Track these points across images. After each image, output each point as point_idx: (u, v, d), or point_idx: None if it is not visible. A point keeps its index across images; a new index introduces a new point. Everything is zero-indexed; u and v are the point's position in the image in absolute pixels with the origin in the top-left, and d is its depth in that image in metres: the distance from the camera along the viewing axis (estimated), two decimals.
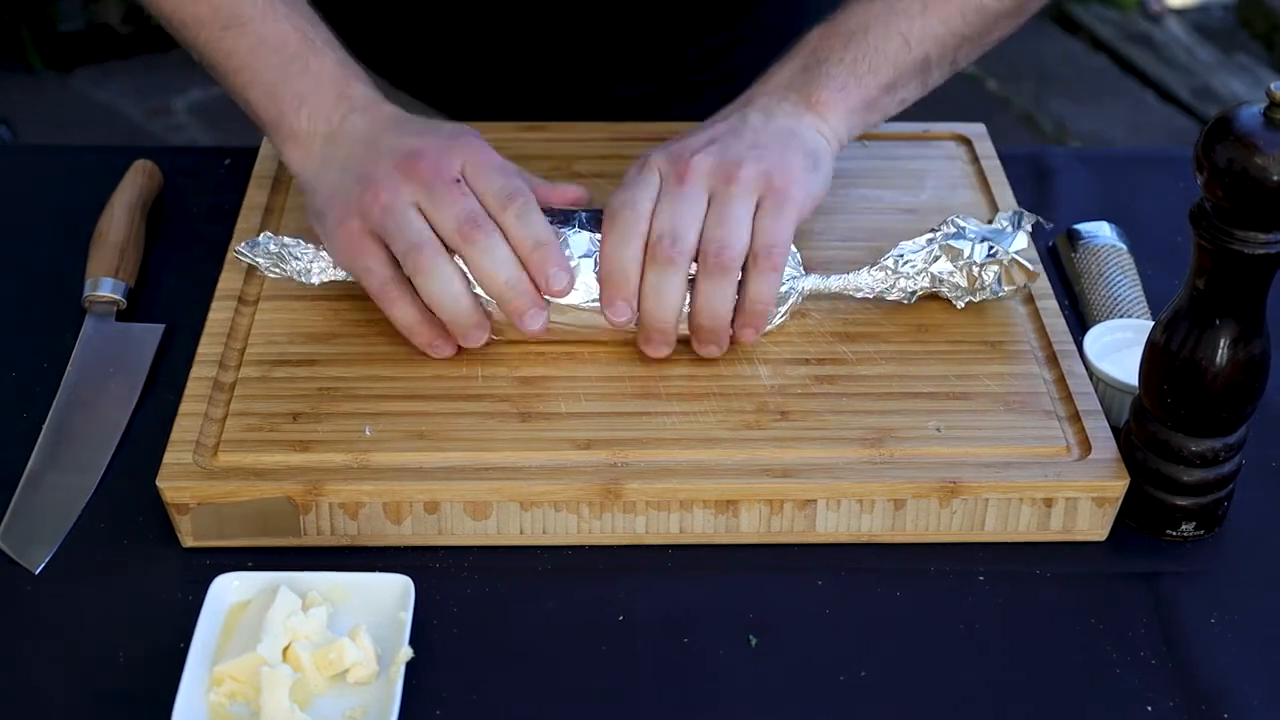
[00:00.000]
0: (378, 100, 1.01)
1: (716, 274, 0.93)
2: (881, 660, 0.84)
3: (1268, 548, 0.92)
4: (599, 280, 0.95)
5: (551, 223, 0.96)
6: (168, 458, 0.89)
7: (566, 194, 1.01)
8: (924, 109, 1.12)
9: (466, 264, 0.93)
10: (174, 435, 0.91)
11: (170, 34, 1.05)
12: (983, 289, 1.00)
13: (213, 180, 1.20)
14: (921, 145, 1.18)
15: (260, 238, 0.99)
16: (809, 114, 1.01)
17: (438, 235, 0.93)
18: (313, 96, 0.99)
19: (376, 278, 0.95)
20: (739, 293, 0.94)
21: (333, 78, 1.00)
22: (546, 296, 0.94)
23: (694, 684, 0.83)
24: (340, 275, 0.98)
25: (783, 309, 0.98)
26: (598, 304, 0.95)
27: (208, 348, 0.97)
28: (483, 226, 0.93)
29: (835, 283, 0.99)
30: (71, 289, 1.07)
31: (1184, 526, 0.92)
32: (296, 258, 0.98)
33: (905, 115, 1.11)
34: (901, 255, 1.00)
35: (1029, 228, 1.01)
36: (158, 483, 0.88)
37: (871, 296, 1.00)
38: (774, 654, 0.85)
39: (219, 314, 1.00)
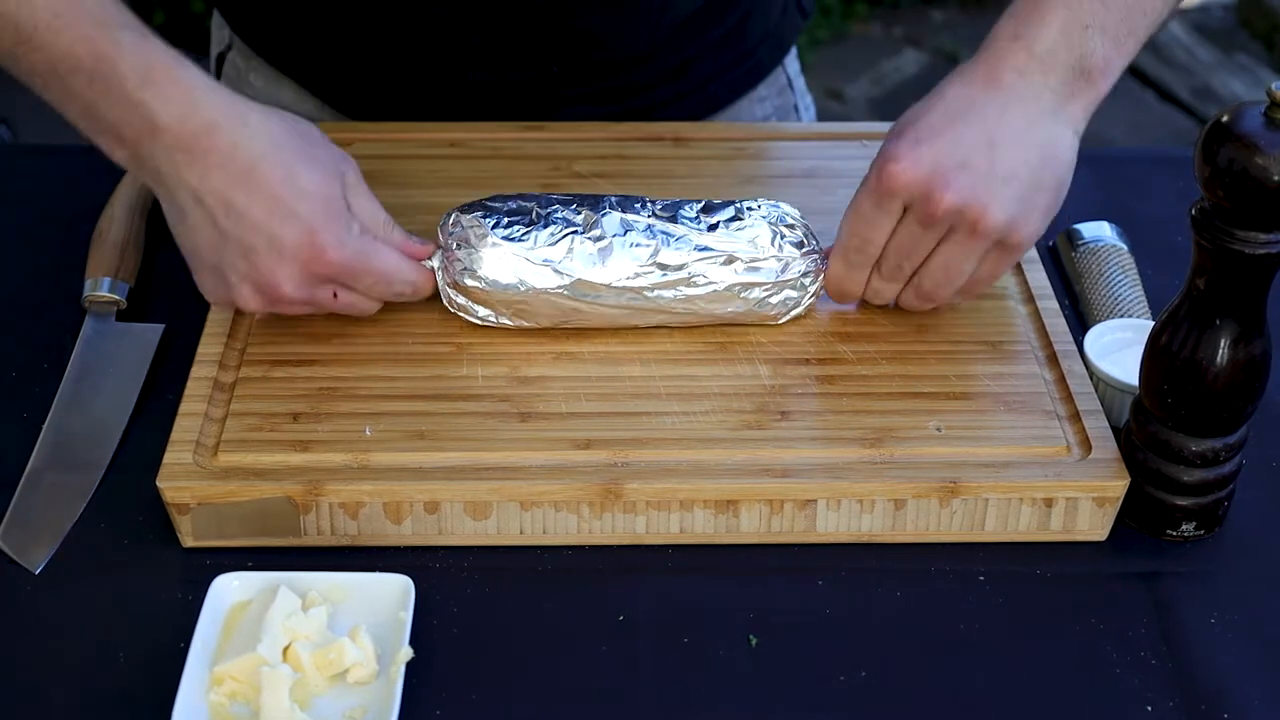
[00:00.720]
0: (194, 126, 0.89)
1: (919, 300, 0.99)
2: (881, 660, 0.84)
3: (1268, 548, 0.92)
4: (826, 282, 0.99)
5: (580, 206, 0.98)
6: (168, 458, 0.89)
7: (415, 251, 0.98)
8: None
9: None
10: (174, 435, 0.91)
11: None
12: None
13: None
14: None
15: None
16: (1070, 105, 0.93)
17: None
18: (123, 128, 0.90)
19: (323, 308, 0.96)
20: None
21: (135, 99, 0.89)
22: (569, 268, 0.95)
23: (694, 684, 0.83)
24: None
25: (809, 293, 0.99)
26: (625, 283, 0.96)
27: (208, 348, 0.97)
28: (369, 311, 0.97)
29: None
30: (71, 289, 1.07)
31: (1184, 526, 0.92)
32: None
33: None
34: None
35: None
36: (158, 483, 0.88)
37: None
38: (774, 654, 0.85)
39: (219, 314, 1.00)
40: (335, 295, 0.95)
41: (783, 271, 0.97)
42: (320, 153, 0.93)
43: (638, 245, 0.96)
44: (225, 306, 0.97)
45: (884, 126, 1.14)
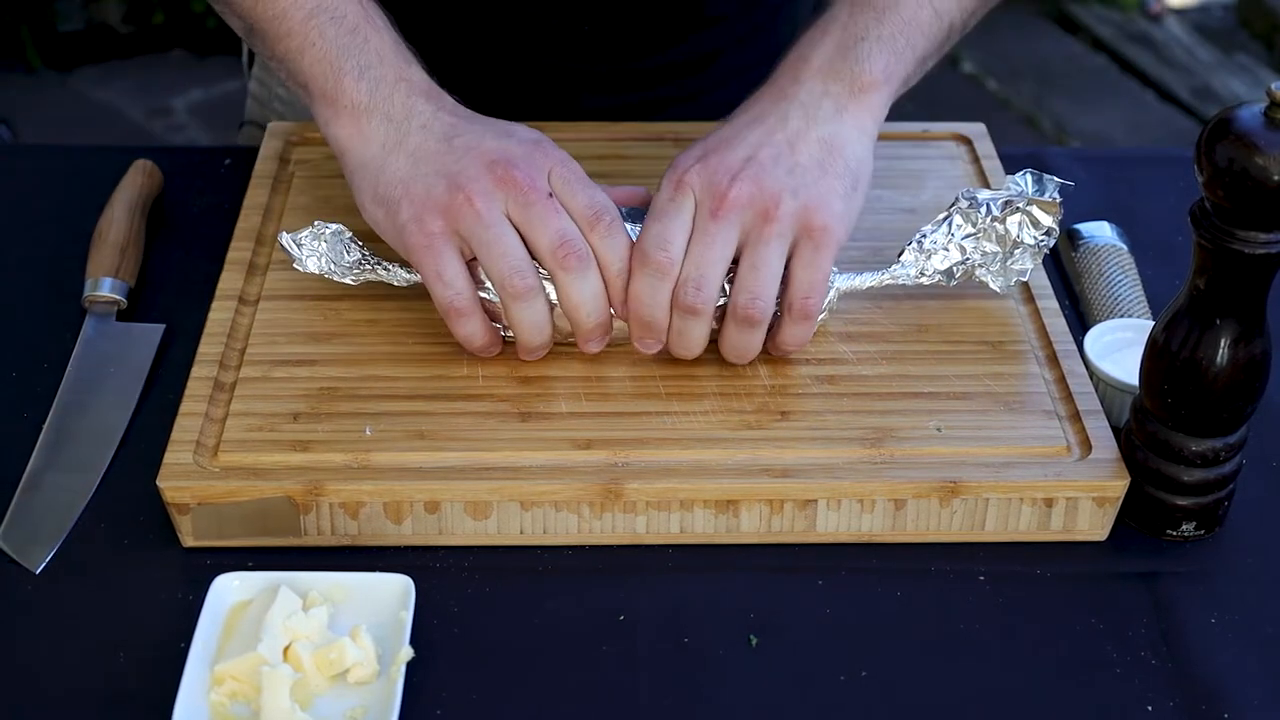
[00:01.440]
0: (437, 88, 0.98)
1: (745, 325, 0.93)
2: (881, 660, 0.84)
3: (1268, 548, 0.92)
4: (629, 316, 0.94)
5: None
6: (168, 458, 0.89)
7: (634, 197, 0.99)
8: (924, 109, 1.12)
9: (557, 288, 0.93)
10: (174, 435, 0.91)
11: None
12: (1014, 245, 0.99)
13: (213, 180, 1.20)
14: (921, 145, 1.18)
15: (308, 231, 0.98)
16: (852, 106, 0.97)
17: (530, 252, 0.92)
18: (374, 70, 0.96)
19: (451, 290, 0.92)
20: (768, 333, 0.94)
21: (393, 57, 0.97)
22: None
23: (694, 684, 0.83)
24: (379, 276, 0.98)
25: (824, 305, 0.97)
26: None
27: (208, 348, 0.97)
28: (579, 253, 0.92)
29: (869, 279, 0.98)
30: (71, 289, 1.07)
31: (1184, 526, 0.92)
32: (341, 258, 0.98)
33: (905, 115, 1.11)
34: (924, 235, 0.99)
35: (1041, 176, 1.00)
36: (158, 483, 0.88)
37: (911, 283, 0.99)
38: (774, 654, 0.85)
39: (219, 314, 1.00)
40: (551, 195, 0.92)
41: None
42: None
43: None
44: (438, 226, 0.92)
45: (885, 126, 1.13)
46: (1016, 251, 0.99)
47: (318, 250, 0.97)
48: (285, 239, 0.98)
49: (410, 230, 0.93)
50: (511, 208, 0.92)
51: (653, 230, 0.93)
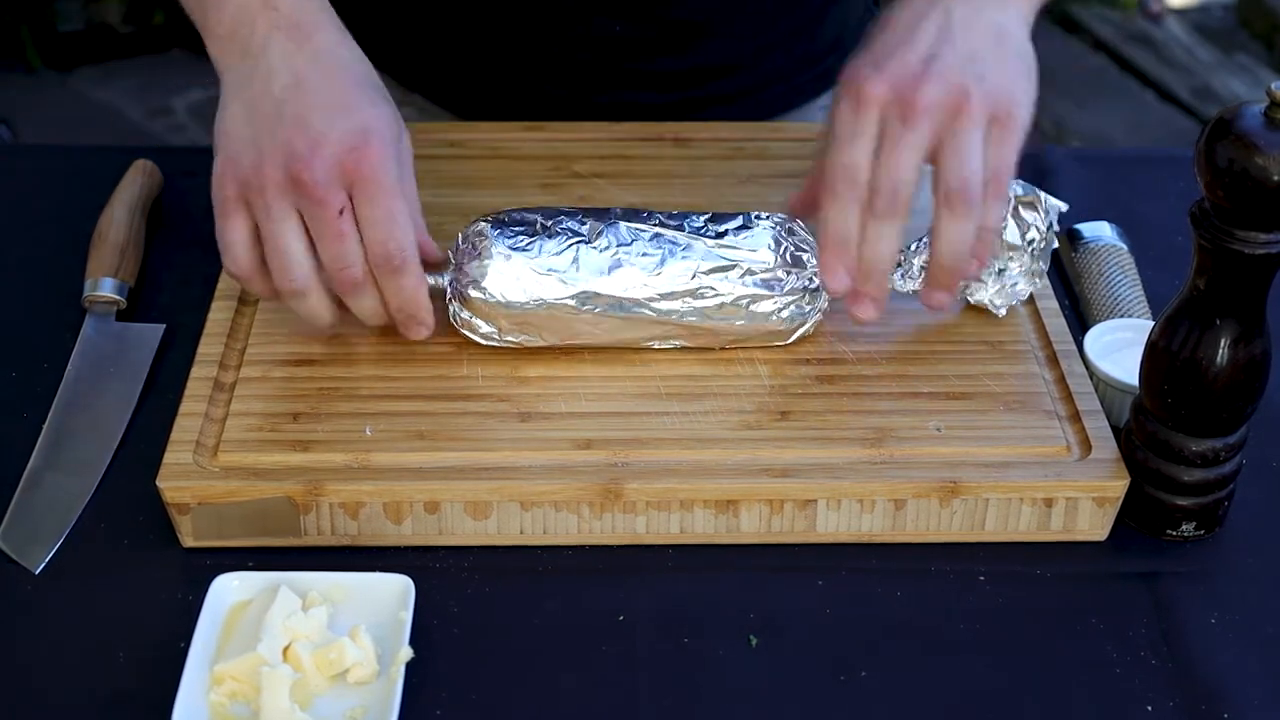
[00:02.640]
0: (307, 17, 0.93)
1: (962, 210, 0.91)
2: (881, 660, 0.84)
3: (1268, 548, 0.92)
4: (820, 246, 0.94)
5: (584, 218, 0.96)
6: (168, 458, 0.89)
7: (430, 253, 0.96)
8: None
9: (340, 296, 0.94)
10: (174, 435, 0.91)
11: None
12: (1006, 249, 0.98)
13: None
14: None
15: None
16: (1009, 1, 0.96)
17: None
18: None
19: (229, 254, 0.92)
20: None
21: None
22: (577, 279, 0.94)
23: (694, 684, 0.83)
24: None
25: (815, 309, 0.97)
26: (632, 294, 0.94)
27: (208, 348, 0.97)
28: (355, 280, 0.92)
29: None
30: (71, 289, 1.07)
31: (1184, 526, 0.92)
32: None
33: None
34: (913, 245, 0.98)
35: (1026, 185, 0.99)
36: (158, 483, 0.88)
37: (905, 291, 0.98)
38: (774, 654, 0.85)
39: (219, 314, 1.00)
40: (341, 212, 0.90)
41: (789, 285, 0.96)
42: (392, 108, 0.95)
43: (645, 254, 0.94)
44: (232, 192, 0.91)
45: None
46: (1012, 266, 0.99)
47: None
48: None
49: (215, 183, 0.93)
50: (302, 210, 0.90)
51: (839, 155, 0.91)
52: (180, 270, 1.11)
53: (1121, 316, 1.04)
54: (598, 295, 0.94)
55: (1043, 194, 1.00)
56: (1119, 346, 0.99)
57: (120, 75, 3.19)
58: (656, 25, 1.20)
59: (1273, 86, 0.80)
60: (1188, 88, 3.33)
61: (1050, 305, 1.02)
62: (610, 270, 0.94)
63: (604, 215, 0.97)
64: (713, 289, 0.95)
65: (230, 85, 0.94)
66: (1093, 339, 1.00)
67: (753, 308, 0.95)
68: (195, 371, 0.96)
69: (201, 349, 0.97)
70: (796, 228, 0.97)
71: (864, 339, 0.99)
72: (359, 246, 0.91)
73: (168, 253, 1.13)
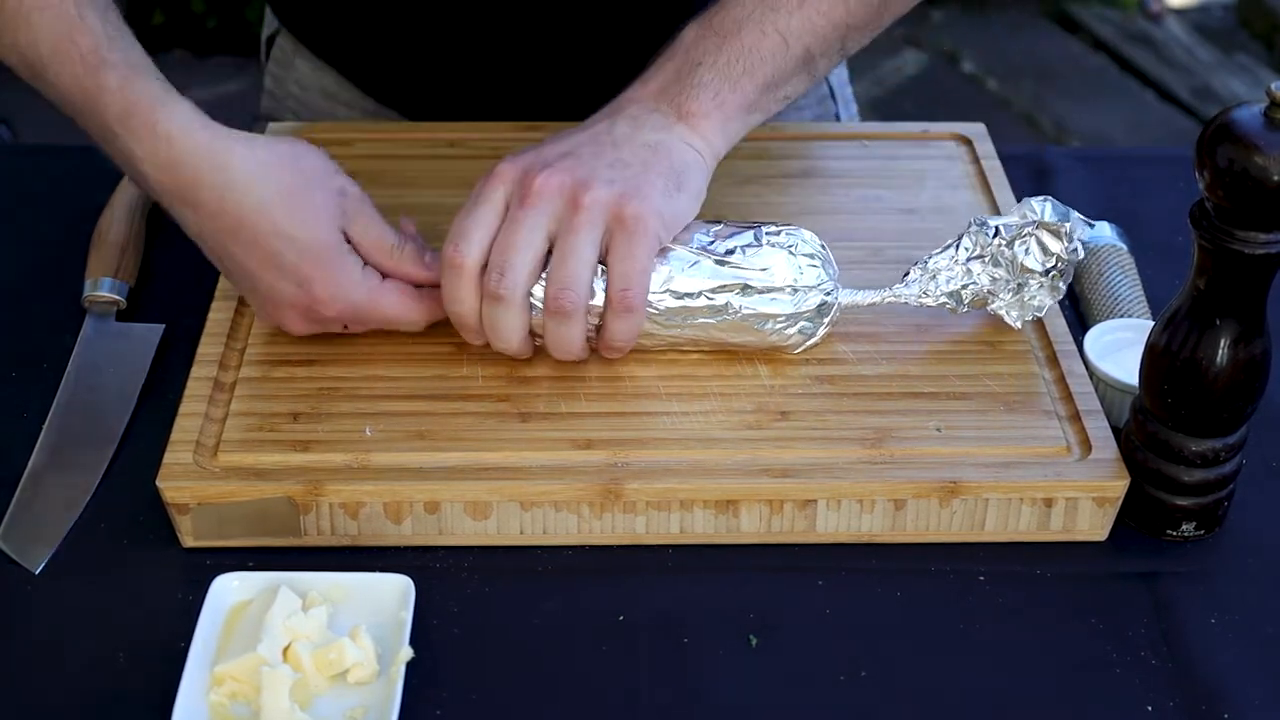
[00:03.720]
0: (181, 179, 0.91)
1: (558, 317, 0.91)
2: (881, 660, 0.84)
3: (1268, 548, 0.92)
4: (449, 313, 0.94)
5: None
6: (168, 458, 0.89)
7: (422, 276, 0.96)
8: (924, 109, 1.12)
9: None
10: (174, 435, 0.91)
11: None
12: (1023, 271, 0.97)
13: None
14: (921, 145, 1.18)
15: None
16: (680, 125, 0.96)
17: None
18: (129, 166, 0.92)
19: (468, 241, 0.91)
20: (597, 329, 0.93)
21: (120, 147, 0.92)
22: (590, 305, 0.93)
23: (694, 684, 0.83)
24: None
25: (824, 324, 0.96)
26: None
27: (208, 348, 0.97)
28: (574, 309, 0.91)
29: (870, 296, 0.97)
30: (71, 289, 1.07)
31: (1184, 526, 0.92)
32: None
33: (905, 115, 1.11)
34: (929, 256, 0.98)
35: (1062, 206, 0.97)
36: (158, 483, 0.88)
37: (914, 303, 0.98)
38: (774, 654, 0.85)
39: (219, 314, 1.00)
40: (346, 327, 0.96)
41: (800, 303, 0.95)
42: (316, 189, 0.93)
43: (653, 272, 0.93)
44: (510, 175, 0.93)
45: (884, 126, 1.14)
46: (1031, 283, 0.98)
47: None
48: None
49: (492, 175, 0.93)
50: (563, 218, 0.91)
51: (455, 227, 0.92)
52: (180, 270, 1.11)
53: (1121, 316, 1.04)
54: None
55: (1073, 218, 0.98)
56: (1119, 346, 0.99)
57: None
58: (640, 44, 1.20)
59: (1273, 86, 0.80)
60: (1188, 88, 3.33)
61: (1050, 305, 1.02)
62: None
63: None
64: (719, 307, 0.94)
65: (182, 199, 0.93)
66: (1093, 339, 1.00)
67: (760, 326, 0.95)
68: (195, 371, 0.96)
69: (201, 349, 0.97)
70: (804, 243, 0.96)
71: (864, 339, 0.99)
72: (592, 276, 0.91)
73: (168, 253, 1.13)
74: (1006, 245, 0.97)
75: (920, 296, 0.98)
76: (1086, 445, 0.92)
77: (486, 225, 0.91)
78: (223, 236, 0.92)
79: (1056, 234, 0.97)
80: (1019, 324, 0.99)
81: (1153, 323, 0.92)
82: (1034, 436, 0.92)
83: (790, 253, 0.95)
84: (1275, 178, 0.79)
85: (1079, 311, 1.08)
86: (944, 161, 1.17)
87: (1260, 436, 0.94)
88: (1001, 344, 0.99)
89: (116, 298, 1.05)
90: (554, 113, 1.20)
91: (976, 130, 1.20)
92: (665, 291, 0.94)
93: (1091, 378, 0.97)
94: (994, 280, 0.97)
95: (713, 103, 0.97)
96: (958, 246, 0.98)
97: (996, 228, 0.97)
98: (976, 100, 3.25)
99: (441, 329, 0.98)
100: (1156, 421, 0.90)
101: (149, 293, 1.09)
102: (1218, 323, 0.86)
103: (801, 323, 0.95)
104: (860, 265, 1.00)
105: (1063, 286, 0.98)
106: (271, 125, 1.18)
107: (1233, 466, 0.91)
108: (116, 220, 1.10)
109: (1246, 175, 0.80)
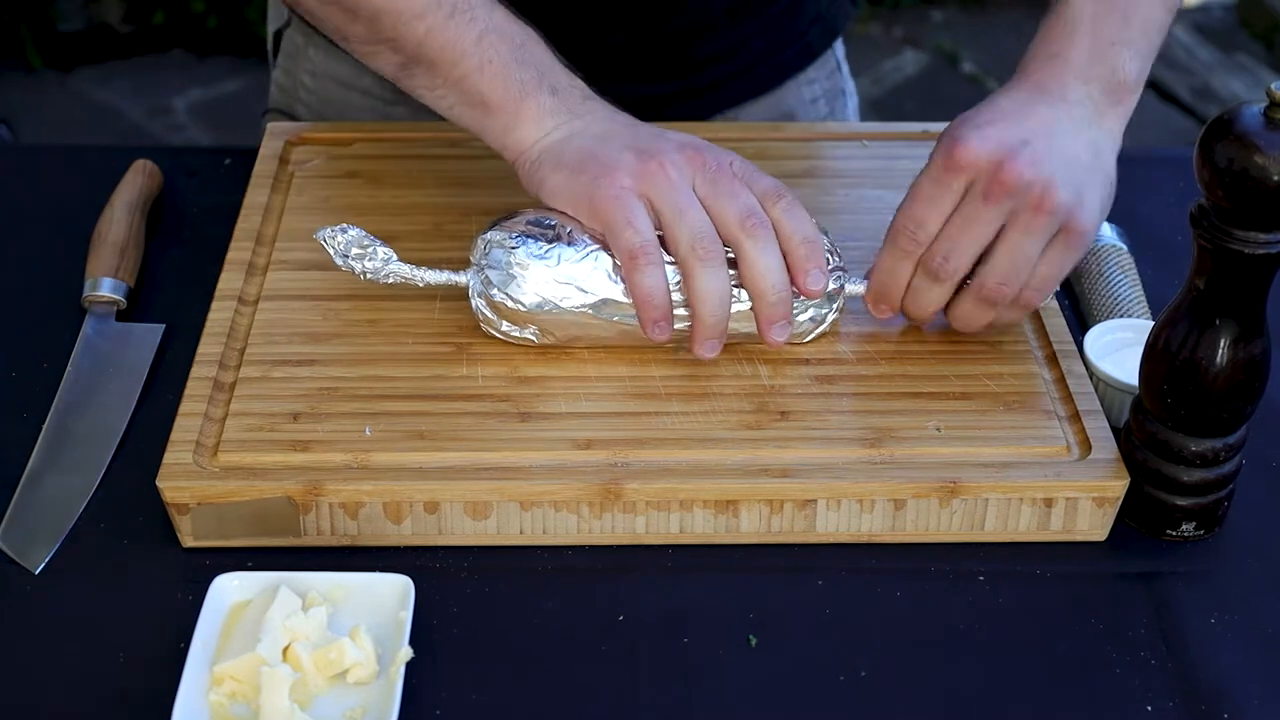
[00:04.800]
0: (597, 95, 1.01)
1: (985, 304, 0.95)
2: (881, 660, 0.84)
3: (1268, 548, 0.92)
4: (870, 280, 0.97)
5: None
6: (168, 458, 0.89)
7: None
8: (924, 109, 1.12)
9: (740, 259, 0.93)
10: (174, 435, 0.91)
11: (371, 37, 1.01)
12: None
13: (213, 180, 1.20)
14: (921, 145, 1.18)
15: (339, 229, 0.97)
16: (1110, 112, 0.97)
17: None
18: (550, 78, 0.99)
19: (640, 237, 0.93)
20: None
21: (562, 66, 1.01)
22: (604, 298, 0.94)
23: (694, 684, 0.83)
24: (407, 274, 0.97)
25: (833, 310, 0.98)
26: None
27: (208, 348, 0.97)
28: (764, 223, 0.93)
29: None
30: (71, 289, 1.07)
31: (1184, 526, 0.92)
32: (375, 257, 0.97)
33: (905, 115, 1.11)
34: None
35: None
36: (158, 483, 0.88)
37: None
38: (774, 654, 0.85)
39: (219, 314, 1.00)
40: (691, 197, 0.94)
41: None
42: None
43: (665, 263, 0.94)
44: (628, 183, 0.95)
45: (884, 126, 1.14)
46: None
47: (347, 249, 0.97)
48: (323, 234, 0.97)
49: (601, 184, 0.94)
50: (699, 183, 0.94)
51: (912, 209, 0.94)
52: (180, 270, 1.11)
53: (1121, 316, 1.04)
54: (615, 303, 0.94)
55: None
56: (1119, 346, 0.99)
57: (120, 75, 3.19)
58: (657, 34, 1.21)
59: (1273, 86, 0.80)
60: (1188, 88, 3.33)
61: (1050, 305, 1.02)
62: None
63: None
64: (736, 296, 0.95)
65: (565, 133, 0.98)
66: (1093, 339, 1.00)
67: None
68: (195, 371, 0.96)
69: (201, 349, 0.97)
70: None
71: (864, 339, 0.99)
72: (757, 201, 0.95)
73: (168, 253, 1.13)
74: None
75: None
76: (1086, 445, 0.92)
77: (942, 216, 0.94)
78: (631, 119, 1.00)
79: None
80: None
81: (1153, 323, 0.92)
82: (1034, 436, 0.92)
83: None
84: (1275, 178, 0.79)
85: (1079, 311, 1.08)
86: None
87: (1260, 436, 0.94)
88: (1001, 344, 0.99)
89: (116, 298, 1.05)
90: (611, 95, 1.20)
91: None
92: (677, 285, 0.94)
93: (1091, 378, 0.97)
94: None
95: (1134, 80, 0.98)
96: None
97: None
98: (976, 100, 3.24)
99: (441, 330, 0.98)
100: (1156, 421, 0.90)
101: (149, 293, 1.09)
102: (1217, 323, 0.86)
103: (812, 309, 0.96)
104: (863, 265, 1.00)
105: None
106: (271, 126, 1.18)
107: (1233, 466, 0.91)
108: (116, 220, 1.10)
109: (1246, 175, 0.80)
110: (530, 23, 1.07)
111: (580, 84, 1.01)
